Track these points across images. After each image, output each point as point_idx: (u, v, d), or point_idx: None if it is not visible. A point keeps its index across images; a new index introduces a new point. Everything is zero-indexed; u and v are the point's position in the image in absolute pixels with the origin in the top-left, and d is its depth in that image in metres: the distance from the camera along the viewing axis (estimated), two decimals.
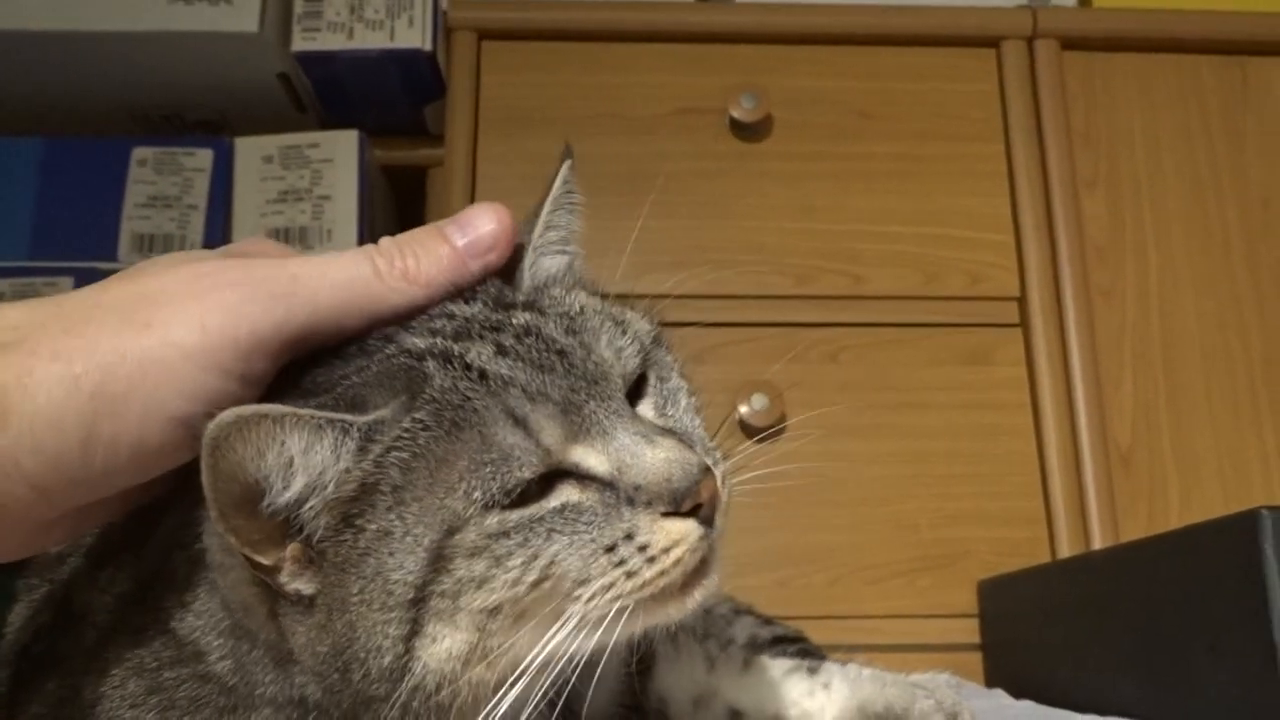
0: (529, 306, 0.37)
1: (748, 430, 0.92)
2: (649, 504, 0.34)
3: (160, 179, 0.98)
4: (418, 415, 0.34)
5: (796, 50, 1.04)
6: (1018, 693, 0.75)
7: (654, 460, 0.35)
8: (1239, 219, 1.01)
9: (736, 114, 0.99)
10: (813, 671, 0.54)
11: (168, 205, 0.97)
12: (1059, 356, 0.96)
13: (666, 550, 0.34)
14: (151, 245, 0.96)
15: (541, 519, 0.34)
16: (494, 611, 0.33)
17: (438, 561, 0.33)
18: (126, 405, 0.32)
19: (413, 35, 0.95)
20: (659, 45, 1.04)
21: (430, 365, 0.34)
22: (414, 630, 0.33)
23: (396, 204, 1.12)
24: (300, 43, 0.95)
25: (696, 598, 0.36)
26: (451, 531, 0.33)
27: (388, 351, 0.35)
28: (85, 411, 0.31)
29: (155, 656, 0.35)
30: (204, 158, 0.99)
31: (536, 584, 0.33)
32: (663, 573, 0.34)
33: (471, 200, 0.98)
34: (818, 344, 0.97)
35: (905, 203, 1.00)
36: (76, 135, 1.01)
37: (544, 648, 0.34)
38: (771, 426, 0.92)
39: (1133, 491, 0.94)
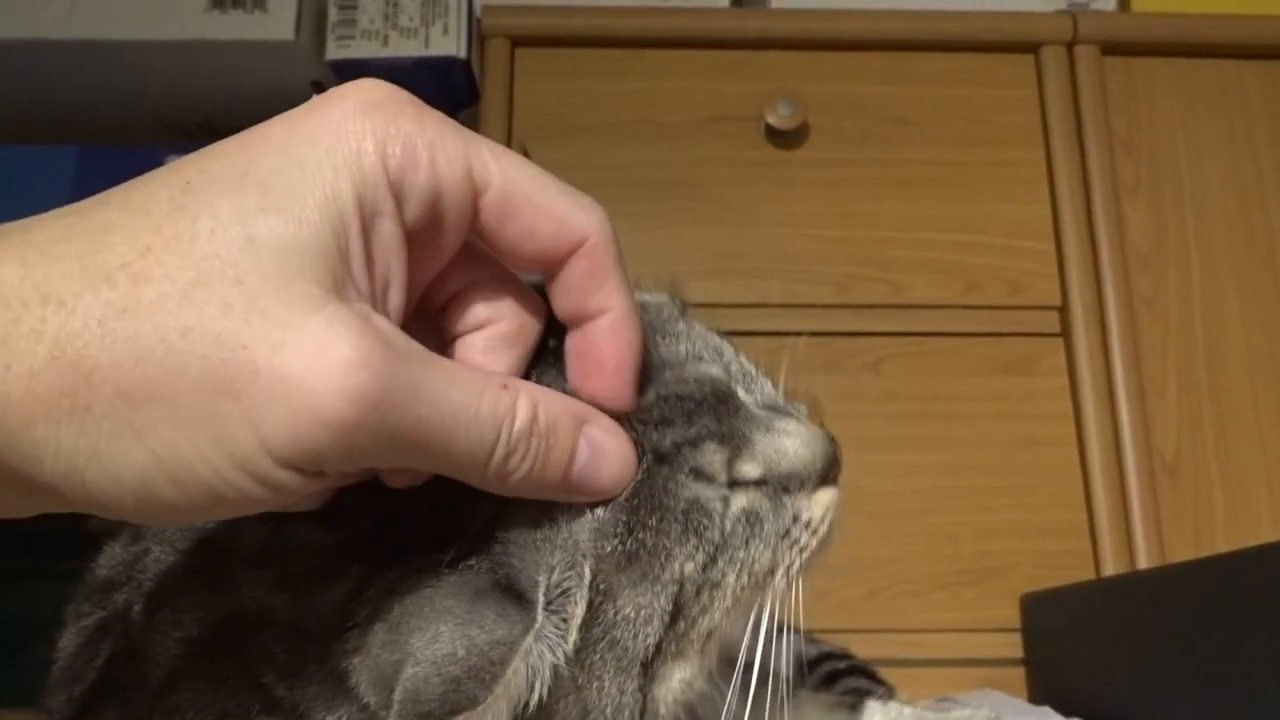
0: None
1: None
2: (802, 485, 0.38)
3: None
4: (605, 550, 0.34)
5: (832, 56, 1.03)
6: (1066, 710, 0.74)
7: (794, 450, 0.37)
8: None
9: (772, 120, 0.98)
10: (853, 710, 0.56)
11: None
12: (1101, 366, 0.94)
13: (820, 517, 0.38)
14: None
15: (735, 532, 0.36)
16: (710, 633, 0.36)
17: (674, 615, 0.35)
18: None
19: (447, 43, 0.95)
20: (693, 51, 1.03)
21: None
22: (649, 679, 0.35)
23: None
24: (335, 50, 0.95)
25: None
26: (681, 584, 0.35)
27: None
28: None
29: (243, 710, 0.33)
30: None
31: (744, 588, 0.36)
32: (822, 538, 0.38)
33: None
34: (857, 353, 0.95)
35: (944, 209, 0.99)
36: (110, 144, 1.01)
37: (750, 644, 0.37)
38: None
39: (1178, 502, 0.92)
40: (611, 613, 0.34)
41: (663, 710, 0.36)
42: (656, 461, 0.35)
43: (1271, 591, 0.52)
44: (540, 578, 0.32)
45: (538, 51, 1.02)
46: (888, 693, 0.71)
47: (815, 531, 0.38)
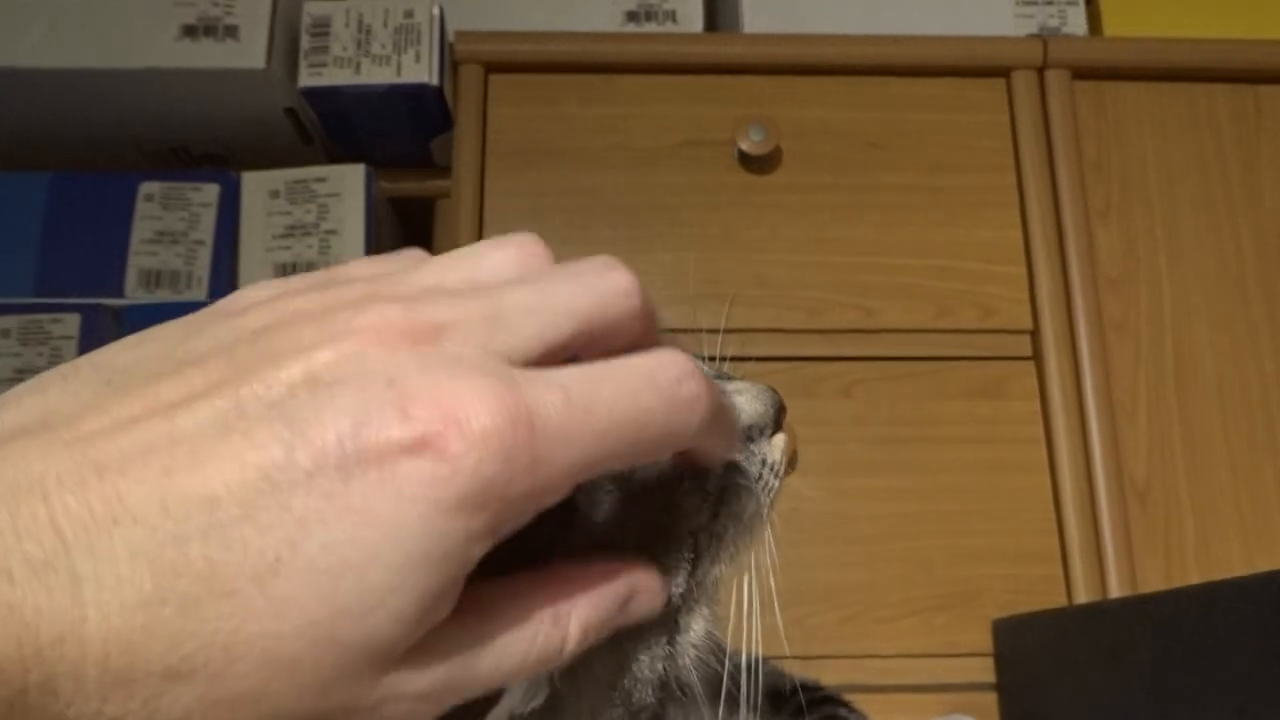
0: None
1: None
2: (762, 432, 0.41)
3: (167, 214, 0.98)
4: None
5: (805, 81, 1.03)
6: None
7: (751, 402, 0.41)
8: (1254, 248, 1.00)
9: (745, 146, 0.98)
10: None
11: (174, 241, 0.97)
12: (1072, 390, 0.95)
13: (779, 459, 0.41)
14: (158, 281, 0.95)
15: (724, 486, 0.38)
16: (720, 578, 0.39)
17: (694, 564, 0.37)
18: None
19: (420, 70, 0.95)
20: (666, 76, 1.03)
21: None
22: (674, 631, 0.37)
23: (404, 235, 1.12)
24: (307, 78, 0.95)
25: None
26: (696, 535, 0.37)
27: None
28: None
29: None
30: (210, 192, 0.99)
31: (739, 531, 0.39)
32: (781, 479, 0.41)
33: (480, 233, 0.98)
34: (829, 378, 0.96)
35: (916, 234, 0.99)
36: (82, 170, 1.01)
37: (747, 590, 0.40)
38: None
39: (1149, 527, 0.93)
40: None
41: (685, 661, 0.38)
42: None
43: (1242, 625, 0.53)
44: None
45: (511, 78, 1.02)
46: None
47: (777, 473, 0.42)
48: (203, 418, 0.23)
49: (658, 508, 0.36)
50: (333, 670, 0.23)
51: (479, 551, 0.24)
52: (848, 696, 0.76)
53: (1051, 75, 1.02)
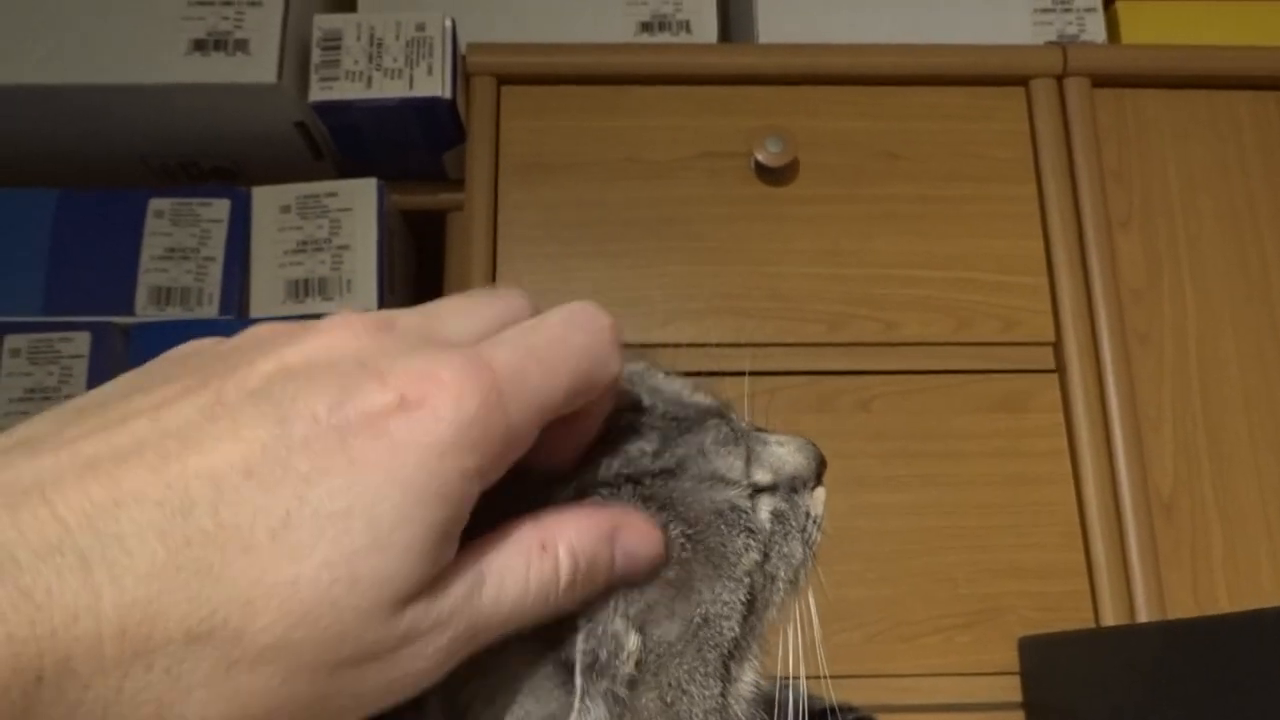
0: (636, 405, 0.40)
1: None
2: (805, 484, 0.42)
3: (177, 230, 0.97)
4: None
5: (821, 91, 1.02)
6: None
7: (794, 454, 0.42)
8: (1278, 257, 0.99)
9: (761, 157, 0.97)
10: None
11: (185, 257, 0.96)
12: (1096, 402, 0.93)
13: (820, 513, 0.43)
14: (169, 299, 0.94)
15: (775, 530, 0.39)
16: (768, 628, 0.39)
17: (750, 607, 0.37)
18: None
19: (432, 83, 0.94)
20: (681, 88, 1.02)
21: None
22: (726, 682, 0.36)
23: (417, 248, 1.11)
24: (318, 92, 0.94)
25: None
26: (751, 577, 0.37)
27: None
28: None
29: None
30: (221, 208, 0.98)
31: (791, 582, 0.40)
32: (823, 532, 0.42)
33: (494, 246, 0.97)
34: (848, 392, 0.94)
35: (935, 245, 0.98)
36: (91, 187, 1.00)
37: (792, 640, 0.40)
38: None
39: (1175, 540, 0.91)
40: (674, 634, 0.35)
41: (735, 712, 0.37)
42: (665, 473, 0.37)
43: (1275, 656, 0.51)
44: (575, 647, 0.32)
45: (523, 90, 1.01)
46: None
47: (819, 525, 0.43)
48: (187, 412, 0.24)
49: (711, 546, 0.36)
50: (352, 612, 0.24)
51: (473, 490, 0.26)
52: (875, 716, 0.75)
53: (1071, 83, 1.01)
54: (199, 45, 0.93)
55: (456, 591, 0.27)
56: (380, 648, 0.25)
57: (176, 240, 0.96)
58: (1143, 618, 0.87)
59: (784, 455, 0.42)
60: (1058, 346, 0.95)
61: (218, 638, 0.23)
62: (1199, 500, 0.92)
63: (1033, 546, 0.91)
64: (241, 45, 0.93)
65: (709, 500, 0.37)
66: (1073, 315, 0.95)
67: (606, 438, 0.36)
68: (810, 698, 0.70)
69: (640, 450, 0.36)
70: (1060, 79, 1.01)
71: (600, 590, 0.32)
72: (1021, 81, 1.01)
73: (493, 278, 0.96)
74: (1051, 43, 1.05)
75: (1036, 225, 0.98)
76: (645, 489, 0.36)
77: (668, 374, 0.43)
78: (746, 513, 0.38)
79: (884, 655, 0.88)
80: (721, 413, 0.40)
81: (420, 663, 0.26)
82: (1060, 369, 0.95)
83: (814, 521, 0.42)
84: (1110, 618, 0.87)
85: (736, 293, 0.96)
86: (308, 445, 0.24)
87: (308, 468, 0.24)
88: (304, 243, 0.96)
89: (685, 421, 0.39)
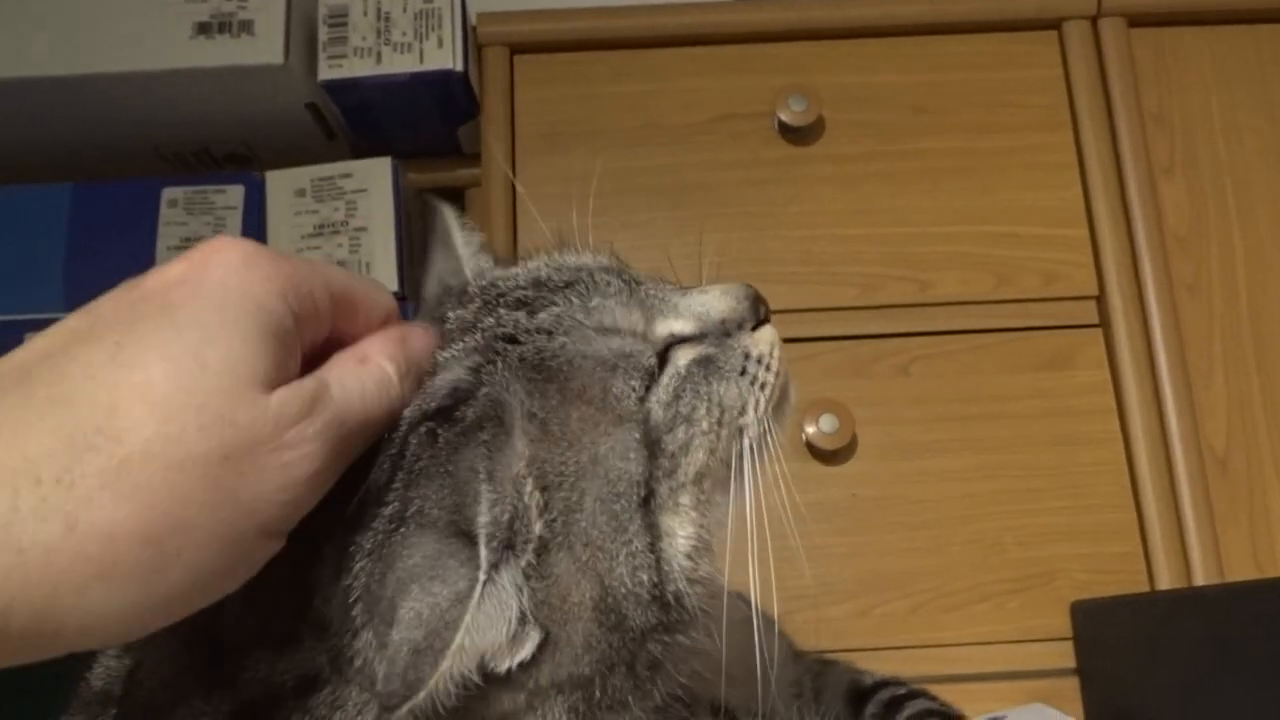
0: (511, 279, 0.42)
1: (815, 453, 0.87)
2: (740, 326, 0.42)
3: (192, 219, 0.95)
4: (523, 429, 0.35)
5: (844, 45, 0.98)
6: None
7: (720, 298, 0.42)
8: None
9: (785, 117, 0.94)
10: None
11: None
12: (1144, 357, 0.90)
13: (769, 353, 0.42)
14: None
15: (688, 376, 0.39)
16: (700, 479, 0.39)
17: (653, 449, 0.37)
18: None
19: (443, 56, 0.91)
20: (698, 49, 0.99)
21: (483, 374, 0.37)
22: (654, 535, 0.36)
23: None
24: (327, 71, 0.91)
25: (792, 396, 0.45)
26: (645, 421, 0.37)
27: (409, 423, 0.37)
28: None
29: None
30: (235, 194, 0.96)
31: (719, 423, 0.39)
32: (776, 373, 0.42)
33: (514, 221, 0.94)
34: (885, 356, 0.91)
35: (970, 200, 0.94)
36: (105, 178, 0.98)
37: (742, 500, 0.40)
38: (841, 448, 0.87)
39: (1231, 496, 0.88)
40: (575, 489, 0.35)
41: (683, 586, 0.37)
42: (538, 331, 0.38)
43: None
44: (479, 517, 0.33)
45: (537, 58, 0.98)
46: (956, 715, 0.68)
47: (769, 367, 0.42)
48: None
49: (591, 393, 0.37)
50: (216, 394, 0.29)
51: (279, 304, 0.32)
52: (928, 689, 0.73)
53: (1106, 24, 0.97)
54: (203, 29, 0.90)
55: (308, 385, 0.32)
56: (260, 430, 0.29)
57: (192, 229, 0.94)
58: (1199, 580, 0.84)
59: (707, 301, 0.41)
60: (1101, 300, 0.92)
61: (99, 441, 0.27)
62: (1255, 455, 0.89)
63: (1083, 508, 0.88)
64: (246, 26, 0.90)
65: (592, 350, 0.37)
66: (1116, 267, 0.91)
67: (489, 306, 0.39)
68: (857, 673, 0.68)
69: (516, 318, 0.38)
70: (1094, 19, 0.97)
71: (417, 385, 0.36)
72: (1054, 24, 0.97)
73: (514, 253, 0.93)
74: None
75: (1075, 175, 0.94)
76: (524, 347, 0.37)
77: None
78: (634, 356, 0.38)
79: (931, 625, 0.86)
80: (614, 270, 0.41)
81: (305, 446, 0.30)
82: (1105, 323, 0.91)
83: (758, 361, 0.41)
84: (1166, 580, 0.84)
85: (765, 258, 0.93)
86: (117, 305, 0.31)
87: (127, 313, 0.30)
88: (321, 226, 0.94)
89: (567, 284, 0.40)
